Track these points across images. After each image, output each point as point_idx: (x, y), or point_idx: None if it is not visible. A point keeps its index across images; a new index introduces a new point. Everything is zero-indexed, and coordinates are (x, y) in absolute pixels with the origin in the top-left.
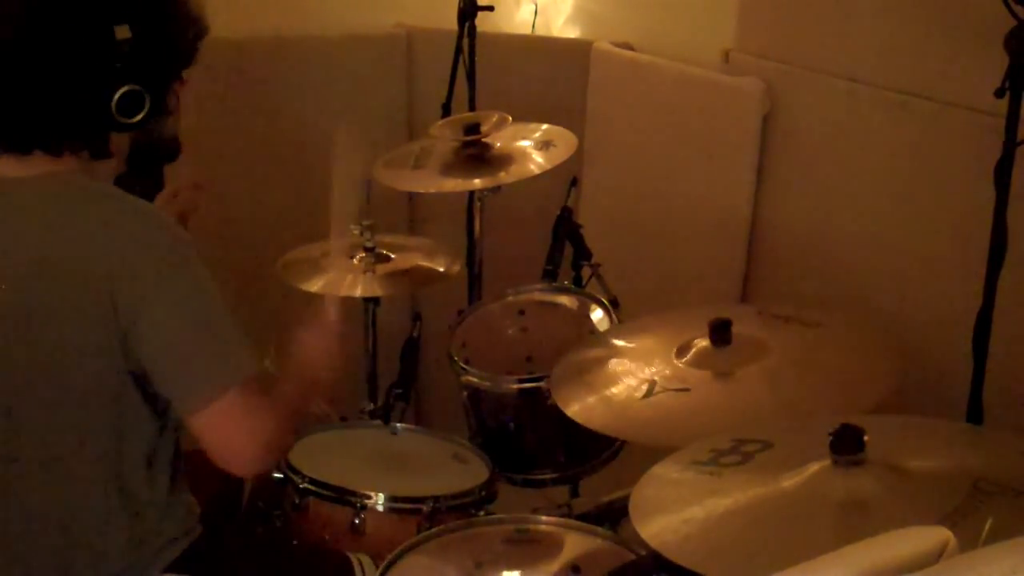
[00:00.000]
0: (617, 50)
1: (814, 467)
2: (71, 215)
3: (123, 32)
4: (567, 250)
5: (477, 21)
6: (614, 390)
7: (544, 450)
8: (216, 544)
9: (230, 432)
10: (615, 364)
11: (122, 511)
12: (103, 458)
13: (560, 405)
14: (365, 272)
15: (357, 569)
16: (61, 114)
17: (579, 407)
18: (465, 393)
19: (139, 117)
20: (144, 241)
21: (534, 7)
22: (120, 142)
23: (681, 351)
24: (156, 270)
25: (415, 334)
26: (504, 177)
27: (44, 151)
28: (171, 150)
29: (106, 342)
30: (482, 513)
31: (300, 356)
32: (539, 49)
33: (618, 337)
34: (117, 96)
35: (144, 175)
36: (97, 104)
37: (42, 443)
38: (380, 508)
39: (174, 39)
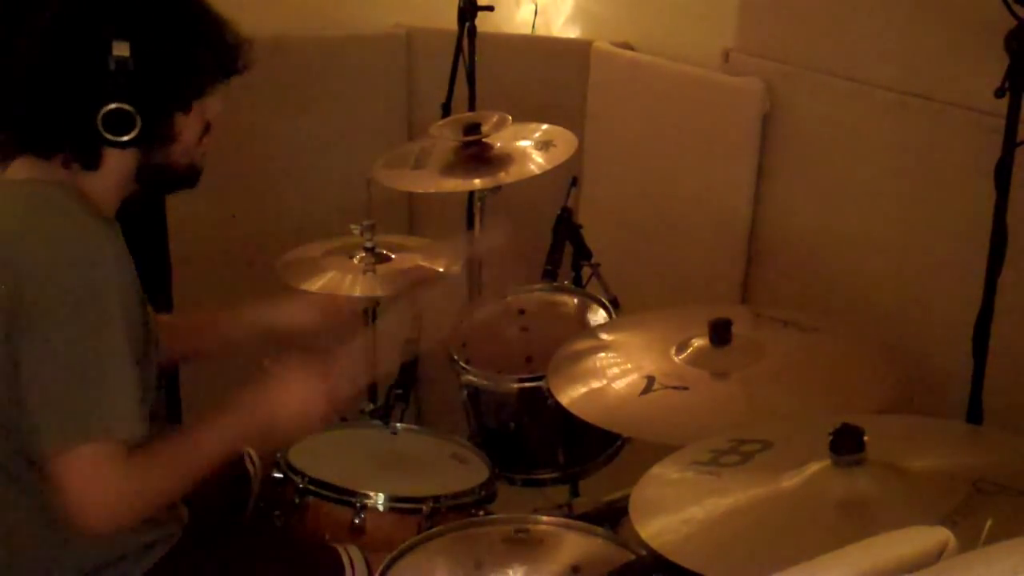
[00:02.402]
0: (617, 50)
1: (814, 467)
2: (9, 219)
3: (122, 49)
4: (567, 250)
5: (477, 21)
6: (613, 384)
7: (544, 450)
8: (209, 544)
9: (74, 486)
10: (614, 357)
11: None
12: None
13: (556, 395)
14: (365, 272)
15: (346, 561)
16: (49, 121)
17: (576, 398)
18: (465, 393)
19: (129, 137)
20: (57, 269)
21: (534, 7)
22: (123, 161)
23: (680, 349)
24: (56, 299)
25: (415, 334)
26: (504, 177)
27: (34, 155)
28: (180, 178)
29: (3, 353)
30: (482, 513)
31: (259, 407)
32: (539, 49)
33: (617, 331)
34: (103, 112)
35: (151, 198)
36: (84, 116)
37: None
38: (380, 508)
39: (181, 66)
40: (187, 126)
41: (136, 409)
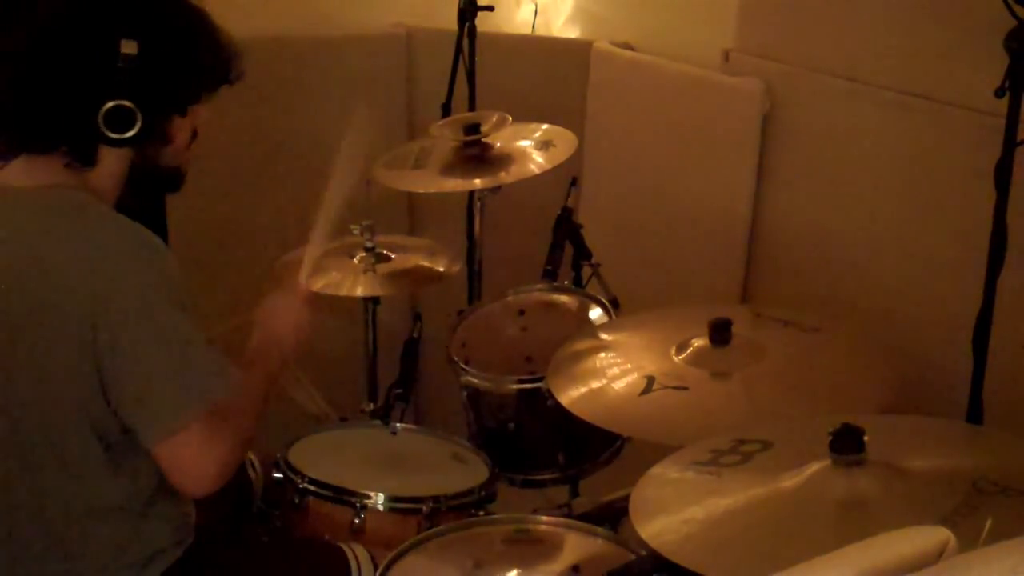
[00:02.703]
0: (617, 50)
1: (814, 467)
2: (63, 229)
3: (129, 47)
4: (567, 250)
5: (477, 21)
6: (613, 384)
7: (544, 450)
8: (217, 547)
9: (191, 460)
10: (614, 357)
11: (89, 517)
12: (70, 462)
13: (556, 395)
14: (365, 272)
15: (352, 560)
16: (51, 114)
17: (576, 398)
18: (465, 393)
19: (128, 135)
20: (122, 265)
21: (534, 7)
22: (119, 161)
23: (680, 349)
24: (140, 295)
25: (415, 334)
26: (504, 177)
27: (34, 152)
28: (169, 180)
29: (80, 359)
30: (482, 513)
31: (263, 337)
32: (539, 49)
33: (617, 331)
34: (106, 108)
35: (142, 200)
36: (86, 111)
37: (16, 442)
38: (380, 508)
39: (184, 70)
40: (181, 129)
41: (223, 361)
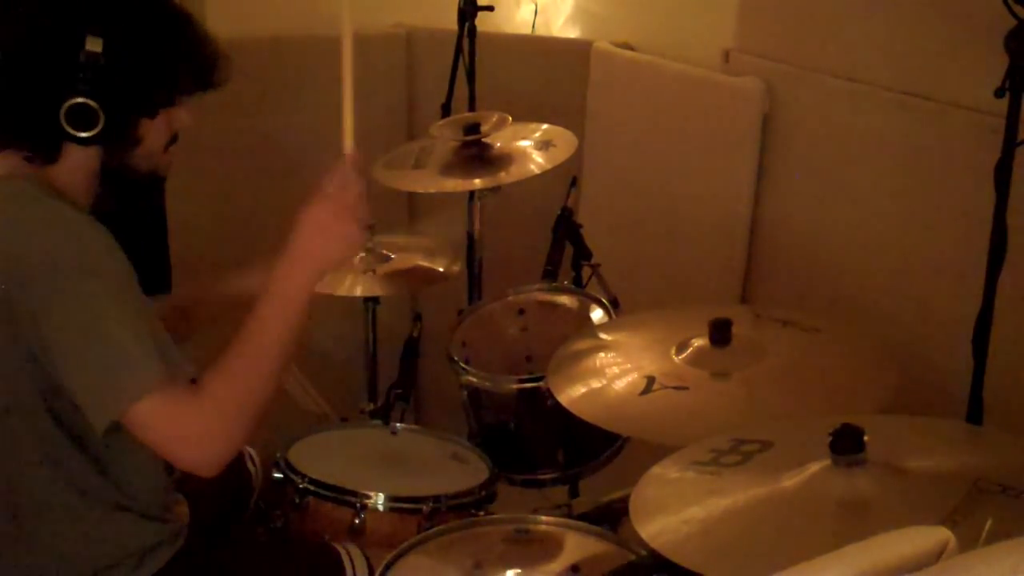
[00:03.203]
0: (617, 50)
1: (814, 467)
2: None
3: (94, 45)
4: (567, 250)
5: (477, 21)
6: (613, 384)
7: (544, 450)
8: (210, 547)
9: (156, 441)
10: (614, 357)
11: (80, 515)
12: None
13: (556, 394)
14: (365, 272)
15: (347, 560)
16: (12, 109)
17: (576, 398)
18: (465, 393)
19: (90, 134)
20: (43, 246)
21: (534, 7)
22: (86, 159)
23: (680, 349)
24: (51, 277)
25: (415, 334)
26: (504, 177)
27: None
28: (140, 183)
29: (11, 351)
30: (482, 513)
31: (292, 261)
32: (539, 49)
33: (617, 331)
34: (67, 105)
35: (118, 201)
36: (47, 108)
37: None
38: (380, 508)
39: (152, 71)
40: (151, 131)
41: (154, 355)
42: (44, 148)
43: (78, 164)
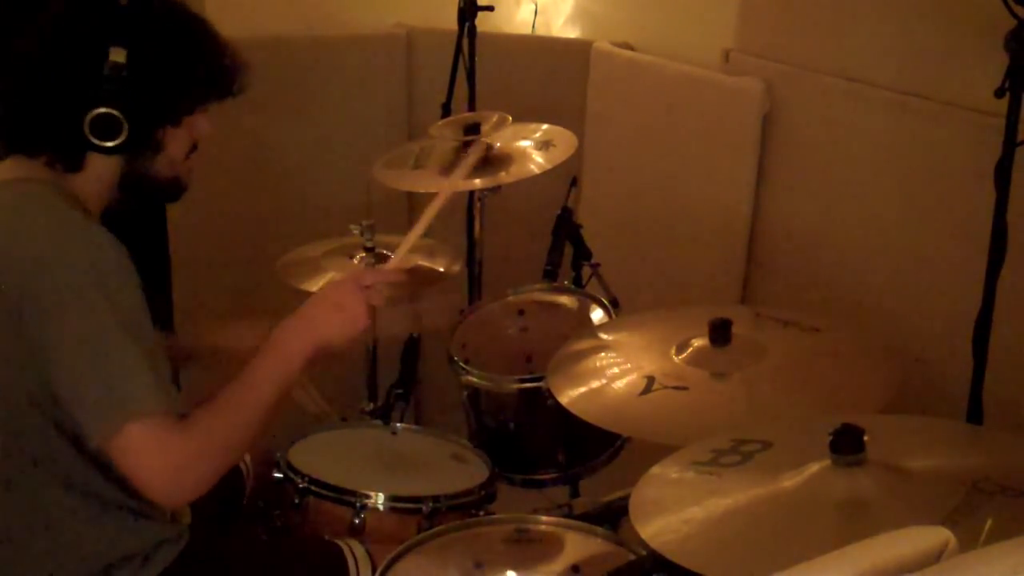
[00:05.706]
0: (617, 50)
1: (814, 467)
2: (6, 213)
3: (118, 55)
4: (567, 250)
5: (477, 21)
6: (613, 384)
7: (544, 450)
8: (213, 546)
9: (135, 466)
10: (614, 357)
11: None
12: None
13: (556, 394)
14: None
15: (349, 556)
16: (37, 119)
17: (576, 398)
18: (465, 393)
19: (115, 143)
20: (57, 256)
21: (534, 7)
22: (107, 168)
23: (680, 349)
24: (62, 287)
25: (415, 334)
26: (504, 177)
27: (22, 155)
28: (163, 191)
29: (14, 351)
30: (482, 513)
31: (288, 331)
32: (539, 49)
33: (617, 331)
34: (91, 115)
35: (135, 208)
36: (72, 118)
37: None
38: (380, 508)
39: (175, 81)
40: (174, 140)
41: (154, 380)
42: (68, 157)
43: (99, 173)
